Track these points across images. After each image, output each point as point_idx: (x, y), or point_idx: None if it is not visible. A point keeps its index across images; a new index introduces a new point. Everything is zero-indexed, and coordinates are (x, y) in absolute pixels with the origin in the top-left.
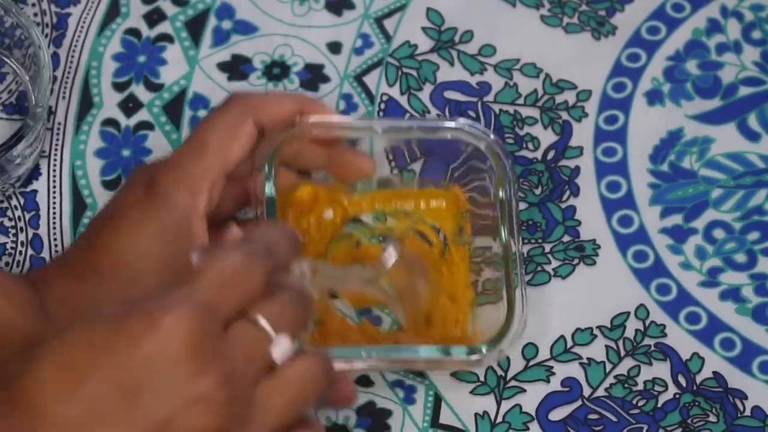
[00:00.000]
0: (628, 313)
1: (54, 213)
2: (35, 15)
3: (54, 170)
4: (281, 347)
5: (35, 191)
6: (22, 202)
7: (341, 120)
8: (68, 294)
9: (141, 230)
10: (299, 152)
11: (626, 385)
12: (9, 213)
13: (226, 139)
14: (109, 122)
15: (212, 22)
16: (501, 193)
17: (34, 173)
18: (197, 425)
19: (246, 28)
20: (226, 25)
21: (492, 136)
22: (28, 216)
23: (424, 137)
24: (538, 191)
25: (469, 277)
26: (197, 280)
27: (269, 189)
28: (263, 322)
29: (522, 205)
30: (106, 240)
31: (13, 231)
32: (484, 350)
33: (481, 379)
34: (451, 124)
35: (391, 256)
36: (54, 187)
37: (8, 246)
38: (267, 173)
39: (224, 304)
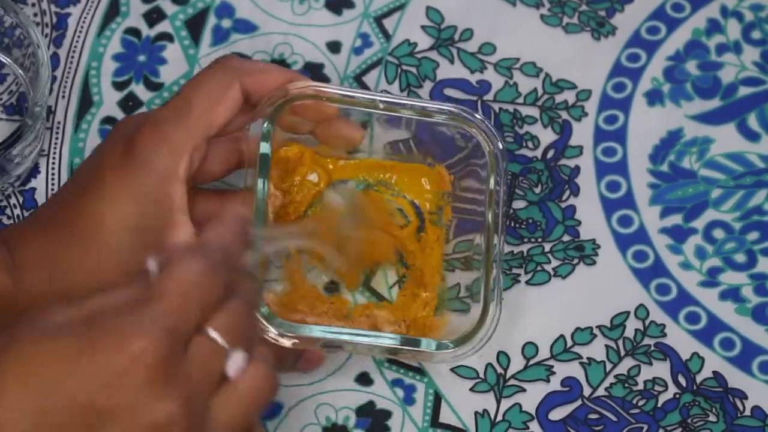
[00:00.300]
0: (628, 313)
1: None
2: (35, 15)
3: (53, 168)
4: (235, 362)
5: (34, 189)
6: (21, 200)
7: (345, 90)
8: (42, 254)
9: (119, 194)
10: (290, 116)
11: (626, 385)
12: (8, 211)
13: (212, 102)
14: (109, 120)
15: (212, 20)
16: (491, 184)
17: (33, 171)
18: None
19: (246, 27)
20: (226, 23)
21: (490, 127)
22: (26, 214)
23: (420, 119)
24: (537, 190)
25: (441, 260)
26: (162, 297)
27: (265, 147)
28: (219, 339)
29: (522, 204)
30: (84, 203)
31: None
32: (451, 347)
33: (481, 376)
34: (451, 108)
35: (334, 198)
36: (52, 185)
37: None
38: (265, 132)
39: (187, 323)
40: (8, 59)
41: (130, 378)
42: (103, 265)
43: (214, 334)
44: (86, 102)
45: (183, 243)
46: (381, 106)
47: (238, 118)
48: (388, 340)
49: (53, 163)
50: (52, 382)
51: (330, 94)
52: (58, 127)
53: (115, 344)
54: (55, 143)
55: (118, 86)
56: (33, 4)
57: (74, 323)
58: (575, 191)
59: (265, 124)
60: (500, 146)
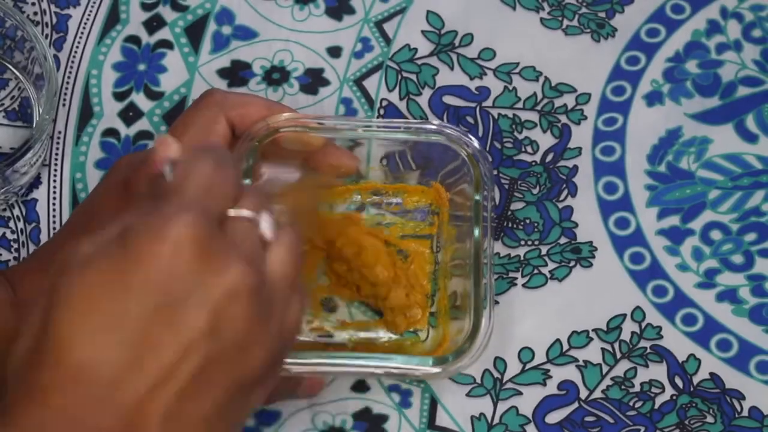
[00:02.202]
0: (625, 316)
1: (54, 227)
2: (35, 14)
3: (54, 180)
4: (267, 223)
5: (35, 200)
6: (24, 212)
7: (326, 119)
8: (42, 294)
9: None
10: (276, 148)
11: (623, 387)
12: (12, 224)
13: (200, 141)
14: (109, 132)
15: (212, 27)
16: (476, 197)
17: (35, 182)
18: (243, 314)
19: (246, 34)
20: (226, 30)
21: (471, 140)
22: (29, 228)
23: (406, 138)
24: (536, 191)
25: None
26: (182, 189)
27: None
28: (248, 213)
29: (519, 204)
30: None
31: (15, 246)
32: (450, 359)
33: (478, 381)
34: (430, 126)
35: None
36: (54, 200)
37: (10, 264)
38: (246, 169)
39: (213, 206)
40: (10, 65)
41: (181, 264)
42: None
43: (243, 211)
44: (86, 112)
45: (182, 149)
46: (361, 131)
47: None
48: (389, 363)
49: (55, 176)
50: (116, 304)
51: (311, 124)
52: (59, 137)
53: (153, 240)
54: (56, 154)
55: (119, 96)
56: (33, 3)
57: (109, 241)
58: (573, 191)
59: (245, 161)
60: (487, 164)
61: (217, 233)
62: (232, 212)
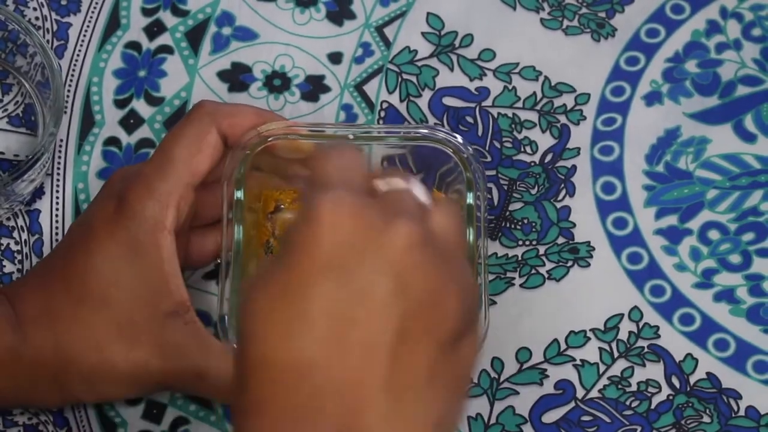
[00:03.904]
0: (622, 315)
1: (57, 239)
2: (36, 19)
3: (57, 192)
4: (421, 189)
5: (39, 211)
6: (27, 222)
7: (317, 126)
8: (42, 310)
9: (109, 249)
10: (270, 158)
11: (619, 386)
12: (15, 234)
13: (192, 152)
14: (111, 141)
15: (212, 29)
16: (468, 198)
17: (38, 192)
18: (424, 265)
19: (246, 35)
20: (226, 31)
21: (463, 143)
22: (32, 239)
23: (396, 144)
24: (534, 191)
25: None
26: (322, 176)
27: (238, 194)
28: (399, 181)
29: (517, 205)
30: (76, 259)
31: (19, 257)
32: None
33: (474, 380)
34: (421, 131)
35: None
36: (57, 210)
37: (14, 276)
38: (238, 178)
39: (357, 184)
40: (12, 68)
41: (345, 239)
42: (97, 320)
43: (394, 181)
44: (88, 120)
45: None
46: (351, 137)
47: (222, 163)
48: None
49: (57, 186)
50: (296, 312)
51: (303, 131)
52: (60, 146)
53: (310, 232)
54: (59, 164)
55: (120, 104)
56: (34, 8)
57: (275, 258)
58: (571, 191)
59: (238, 170)
60: (479, 164)
61: (370, 202)
62: (382, 184)
